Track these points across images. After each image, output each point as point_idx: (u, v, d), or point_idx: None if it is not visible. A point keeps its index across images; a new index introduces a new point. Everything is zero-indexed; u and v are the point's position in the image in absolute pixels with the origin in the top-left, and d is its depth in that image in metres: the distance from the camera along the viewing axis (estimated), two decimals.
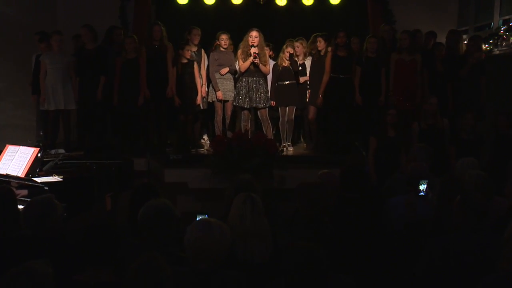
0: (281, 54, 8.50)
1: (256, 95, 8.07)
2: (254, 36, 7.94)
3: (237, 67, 8.51)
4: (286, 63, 8.42)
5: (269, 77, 8.53)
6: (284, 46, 8.53)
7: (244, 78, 8.14)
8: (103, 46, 8.46)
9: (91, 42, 8.26)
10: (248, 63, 7.99)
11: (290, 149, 8.62)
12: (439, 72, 8.14)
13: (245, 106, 8.14)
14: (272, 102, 8.48)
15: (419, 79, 8.11)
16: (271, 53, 8.83)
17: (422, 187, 4.81)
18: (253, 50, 7.91)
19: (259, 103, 8.10)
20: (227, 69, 8.35)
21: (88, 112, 8.39)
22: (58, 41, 8.17)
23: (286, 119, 8.52)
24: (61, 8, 9.84)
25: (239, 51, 8.11)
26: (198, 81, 8.36)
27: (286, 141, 8.59)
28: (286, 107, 8.53)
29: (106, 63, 8.24)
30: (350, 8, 10.66)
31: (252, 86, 8.08)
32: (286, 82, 8.46)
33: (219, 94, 8.35)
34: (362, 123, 8.52)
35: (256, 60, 7.91)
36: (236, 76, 8.57)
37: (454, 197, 3.83)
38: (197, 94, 8.35)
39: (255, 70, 8.05)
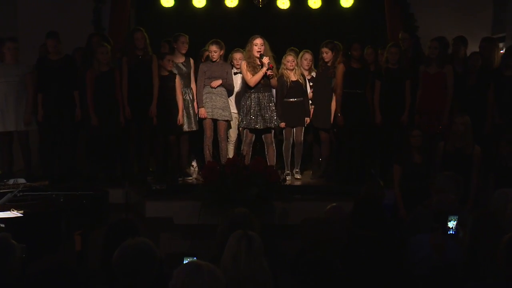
0: (282, 66, 8.53)
1: (268, 113, 8.09)
2: (260, 44, 7.97)
3: (235, 82, 8.54)
4: (295, 77, 8.46)
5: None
6: (299, 56, 8.57)
7: (253, 95, 8.12)
8: (70, 56, 8.48)
9: (55, 52, 8.26)
10: (260, 75, 7.97)
11: (298, 176, 8.65)
12: (470, 86, 8.17)
13: (259, 127, 8.13)
14: (283, 124, 8.47)
15: (448, 95, 8.13)
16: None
17: (451, 223, 4.80)
18: (266, 59, 7.91)
19: (271, 122, 8.13)
20: (219, 82, 8.38)
21: (54, 134, 8.38)
22: (12, 49, 8.17)
23: (294, 141, 8.55)
24: (23, 11, 9.87)
25: (244, 64, 8.10)
26: (179, 97, 8.41)
27: (295, 167, 8.65)
28: (293, 128, 8.57)
29: (75, 76, 8.25)
30: (364, 12, 10.74)
31: (264, 104, 8.09)
32: (293, 99, 8.51)
33: (202, 111, 8.38)
34: (379, 147, 8.53)
35: (271, 72, 7.93)
36: (236, 92, 8.59)
37: (490, 235, 3.81)
38: (178, 113, 8.40)
39: (265, 83, 8.07)
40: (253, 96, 8.11)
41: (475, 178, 6.99)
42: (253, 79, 8.03)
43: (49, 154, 8.47)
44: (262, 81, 8.04)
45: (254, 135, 8.27)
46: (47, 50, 8.32)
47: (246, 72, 8.06)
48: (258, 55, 7.96)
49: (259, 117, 8.09)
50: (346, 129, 8.32)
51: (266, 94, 8.11)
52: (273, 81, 8.11)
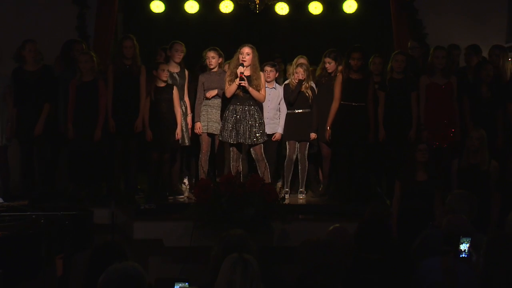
0: (292, 77, 8.61)
1: (245, 127, 8.07)
2: (245, 53, 7.97)
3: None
4: (302, 87, 8.53)
5: (268, 105, 8.60)
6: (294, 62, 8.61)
7: (231, 106, 8.12)
8: (48, 66, 8.48)
9: (32, 62, 8.25)
10: (234, 86, 7.98)
11: (301, 196, 8.67)
12: (484, 98, 8.19)
13: (231, 142, 8.15)
14: (278, 134, 8.55)
15: (457, 107, 8.15)
16: (275, 74, 8.87)
17: (464, 246, 4.78)
18: (240, 69, 7.93)
19: (249, 138, 8.08)
20: (214, 92, 8.40)
21: (34, 150, 8.34)
22: None
23: (298, 157, 8.58)
24: None
25: (227, 73, 8.15)
26: (178, 110, 8.41)
27: (299, 187, 8.69)
28: (297, 142, 8.59)
29: (52, 88, 8.23)
30: (369, 19, 10.78)
31: (241, 117, 8.08)
32: (299, 111, 8.56)
33: (197, 126, 8.42)
34: (385, 164, 8.52)
35: (244, 83, 7.93)
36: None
37: (505, 259, 3.81)
38: (176, 127, 8.39)
39: (244, 96, 8.05)
40: (231, 108, 8.12)
41: (495, 196, 6.97)
42: (228, 90, 8.06)
43: (28, 171, 8.43)
44: (241, 93, 8.04)
45: (238, 151, 8.26)
46: (24, 59, 8.28)
47: (226, 82, 8.11)
48: (240, 64, 7.99)
49: (234, 131, 8.08)
50: (339, 143, 8.34)
51: (245, 108, 8.07)
52: (255, 94, 8.02)
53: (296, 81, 8.55)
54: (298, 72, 8.53)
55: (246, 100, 8.07)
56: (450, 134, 8.13)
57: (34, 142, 8.33)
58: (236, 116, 8.06)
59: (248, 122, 8.07)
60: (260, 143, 8.21)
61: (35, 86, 8.19)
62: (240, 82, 7.90)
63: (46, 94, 8.24)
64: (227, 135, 8.10)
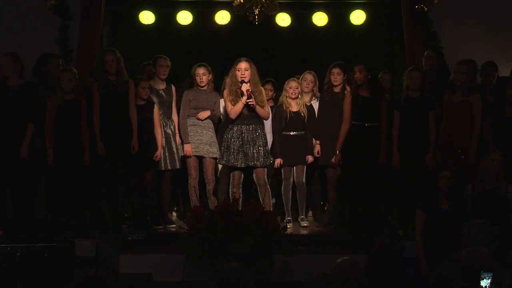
0: (284, 93, 8.60)
1: (252, 149, 8.08)
2: (243, 68, 8.01)
3: (221, 113, 8.55)
4: (296, 107, 8.55)
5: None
6: (293, 83, 8.63)
7: (235, 127, 8.15)
8: (31, 83, 8.44)
9: (15, 77, 8.22)
10: (240, 105, 8.01)
11: (305, 224, 8.67)
12: (508, 119, 8.21)
13: (239, 165, 8.14)
14: (278, 160, 8.55)
15: (476, 127, 8.13)
16: (273, 93, 8.93)
17: (485, 282, 4.76)
18: (245, 87, 7.94)
19: (257, 160, 8.11)
20: (207, 113, 8.40)
21: (8, 174, 8.31)
22: None
23: (295, 182, 8.60)
24: None
25: (225, 92, 8.15)
26: (158, 131, 8.47)
27: (300, 214, 8.68)
28: (293, 166, 8.59)
29: (36, 106, 8.23)
30: (379, 31, 10.81)
31: (247, 138, 8.09)
32: (293, 133, 8.56)
33: (187, 148, 8.42)
34: (397, 190, 8.50)
35: (251, 101, 7.94)
36: (220, 125, 8.61)
37: None
38: (156, 149, 8.43)
39: (249, 115, 8.08)
40: (235, 128, 8.14)
41: None
42: (233, 110, 8.08)
43: (2, 198, 8.37)
44: (246, 112, 8.05)
45: (242, 174, 8.25)
46: (3, 73, 8.26)
47: (227, 102, 8.11)
48: (241, 81, 7.99)
49: (241, 154, 8.09)
50: (350, 168, 8.34)
51: (251, 127, 8.11)
52: (261, 111, 8.09)
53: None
54: (291, 87, 8.54)
55: (250, 119, 8.11)
56: (461, 156, 8.10)
57: (14, 166, 8.26)
58: (243, 137, 8.07)
59: (256, 143, 8.09)
60: (268, 165, 8.22)
61: (15, 104, 8.12)
62: (248, 101, 7.94)
63: (29, 113, 8.17)
64: (234, 159, 8.10)
